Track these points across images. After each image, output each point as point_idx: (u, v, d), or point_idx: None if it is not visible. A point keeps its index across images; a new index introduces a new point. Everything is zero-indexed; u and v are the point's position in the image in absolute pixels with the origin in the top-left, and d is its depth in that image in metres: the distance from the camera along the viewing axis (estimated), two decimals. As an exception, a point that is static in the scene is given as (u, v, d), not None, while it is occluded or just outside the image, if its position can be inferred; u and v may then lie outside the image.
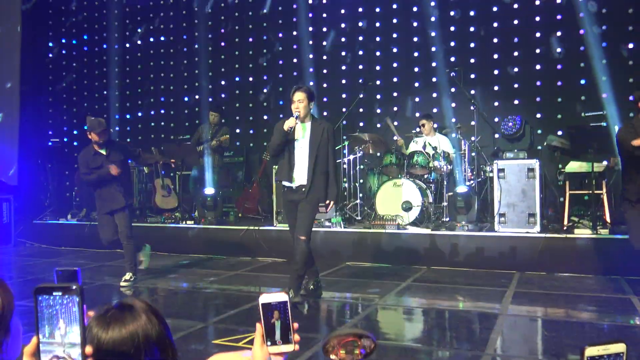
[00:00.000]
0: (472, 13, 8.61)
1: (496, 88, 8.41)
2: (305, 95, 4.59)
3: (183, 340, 3.70)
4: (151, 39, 10.83)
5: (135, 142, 10.67)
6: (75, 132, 11.19)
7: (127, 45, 11.00)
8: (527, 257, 5.91)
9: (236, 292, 5.34)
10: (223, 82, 10.26)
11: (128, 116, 10.98)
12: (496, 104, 8.39)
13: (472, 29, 8.60)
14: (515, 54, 8.24)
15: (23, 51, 10.52)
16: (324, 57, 9.47)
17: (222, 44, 10.26)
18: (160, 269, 6.45)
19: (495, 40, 8.42)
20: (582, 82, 7.74)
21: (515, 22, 8.27)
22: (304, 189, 4.60)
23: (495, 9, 8.40)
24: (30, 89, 10.69)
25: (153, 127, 10.80)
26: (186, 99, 10.46)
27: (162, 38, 10.76)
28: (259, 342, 1.32)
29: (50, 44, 11.51)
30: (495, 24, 8.41)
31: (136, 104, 10.89)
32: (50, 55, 11.48)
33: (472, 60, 8.55)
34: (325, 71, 9.49)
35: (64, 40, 11.51)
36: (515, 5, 8.23)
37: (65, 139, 10.98)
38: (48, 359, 1.01)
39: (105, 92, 11.09)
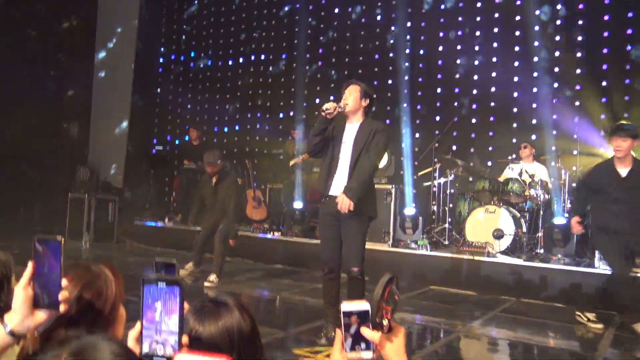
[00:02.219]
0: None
1: (602, 117, 7.91)
2: (359, 89, 3.99)
3: (265, 347, 3.76)
4: (252, 57, 11.32)
5: (230, 155, 11.14)
6: (177, 141, 11.88)
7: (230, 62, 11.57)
8: (631, 298, 5.44)
9: (318, 305, 5.37)
10: (317, 100, 10.48)
11: (237, 127, 11.46)
12: (602, 133, 7.88)
13: (579, 41, 8.16)
14: (627, 66, 7.67)
15: (137, 60, 11.36)
16: (419, 79, 9.41)
17: (319, 63, 10.51)
18: (245, 277, 6.64)
19: (605, 50, 7.87)
20: None
21: (629, 31, 7.72)
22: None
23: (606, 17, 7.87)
24: (140, 98, 11.51)
25: (248, 140, 11.22)
26: (281, 115, 10.78)
27: (263, 57, 11.21)
28: (338, 348, 1.33)
29: (161, 60, 12.39)
30: (605, 50, 7.95)
31: (234, 119, 11.38)
32: (161, 70, 12.33)
33: (577, 87, 8.10)
34: (420, 94, 9.41)
35: (173, 57, 12.35)
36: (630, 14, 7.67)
37: (167, 147, 11.67)
38: (148, 343, 1.08)
39: (206, 106, 11.70)
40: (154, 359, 1.07)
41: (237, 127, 11.36)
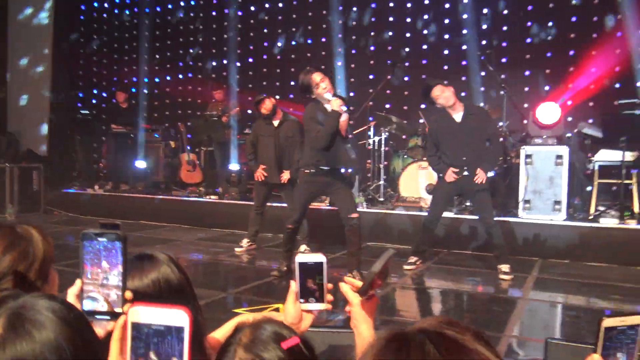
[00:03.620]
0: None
1: (527, 73, 8.25)
2: (323, 74, 4.48)
3: (203, 308, 3.76)
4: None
5: (162, 117, 10.80)
6: (103, 105, 11.35)
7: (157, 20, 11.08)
8: (551, 245, 5.84)
9: (257, 267, 5.41)
10: (251, 60, 10.27)
11: (155, 91, 11.09)
12: (526, 89, 8.23)
13: (505, 11, 8.43)
14: (549, 38, 8.06)
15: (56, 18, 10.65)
16: (353, 37, 9.40)
17: (252, 21, 10.26)
18: (183, 241, 6.56)
19: (528, 24, 8.24)
20: (616, 69, 7.56)
21: (551, 5, 8.08)
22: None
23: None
24: (61, 60, 10.85)
25: (180, 102, 10.89)
26: (213, 75, 10.52)
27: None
28: (292, 299, 1.35)
29: (82, 17, 11.66)
30: (529, 7, 8.23)
31: (166, 84, 10.99)
32: (82, 29, 11.62)
33: (504, 44, 8.38)
34: (353, 52, 9.42)
35: (96, 5, 11.64)
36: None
37: (94, 112, 11.13)
38: (89, 300, 1.05)
39: (134, 67, 11.21)
40: (95, 315, 1.03)
41: (167, 89, 10.99)
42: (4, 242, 1.31)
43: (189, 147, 9.00)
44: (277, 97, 6.50)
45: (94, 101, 11.54)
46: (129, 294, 1.05)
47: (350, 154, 4.68)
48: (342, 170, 4.85)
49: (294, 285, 1.34)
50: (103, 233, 1.04)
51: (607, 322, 1.06)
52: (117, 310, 1.04)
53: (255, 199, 6.15)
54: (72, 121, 10.58)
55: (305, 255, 1.31)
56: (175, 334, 0.87)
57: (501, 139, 7.10)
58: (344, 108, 4.28)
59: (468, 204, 6.42)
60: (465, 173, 4.90)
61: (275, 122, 5.88)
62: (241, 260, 5.68)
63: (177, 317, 0.87)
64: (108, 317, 1.04)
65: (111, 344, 0.99)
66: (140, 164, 9.20)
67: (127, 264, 1.05)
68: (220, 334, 1.52)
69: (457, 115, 4.96)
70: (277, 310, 3.81)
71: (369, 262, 5.20)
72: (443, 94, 4.88)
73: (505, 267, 4.88)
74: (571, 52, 7.95)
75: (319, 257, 1.31)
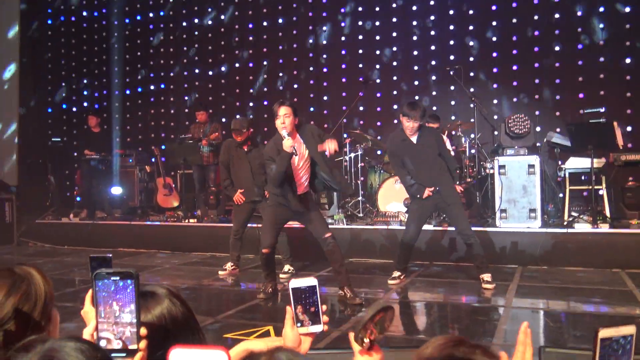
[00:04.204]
0: (470, 12, 8.70)
1: (495, 86, 8.50)
2: (291, 110, 4.49)
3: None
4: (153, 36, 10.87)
5: (135, 142, 10.71)
6: (74, 131, 11.20)
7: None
8: (529, 252, 5.99)
9: (242, 289, 5.40)
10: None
11: (128, 115, 11.02)
12: (495, 101, 8.48)
13: (470, 27, 8.68)
14: (514, 52, 8.34)
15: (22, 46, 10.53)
16: (324, 56, 9.54)
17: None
18: (164, 267, 6.50)
19: (494, 39, 8.51)
20: (580, 79, 7.86)
21: (514, 20, 8.37)
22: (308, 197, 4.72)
23: (494, 7, 8.49)
24: (29, 88, 10.71)
25: (153, 126, 10.83)
26: (186, 97, 10.52)
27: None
28: (289, 324, 1.39)
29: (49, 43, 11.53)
30: (494, 23, 8.51)
31: (138, 108, 10.93)
32: (49, 54, 11.49)
33: (471, 59, 8.63)
34: (325, 70, 9.55)
35: (63, 40, 11.53)
36: (514, 4, 8.32)
37: (65, 138, 10.98)
38: (105, 338, 1.07)
39: (105, 92, 11.12)
40: (112, 354, 1.06)
41: (139, 113, 10.93)
42: (5, 285, 1.31)
43: (163, 171, 8.94)
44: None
45: (64, 127, 11.37)
46: (143, 331, 1.08)
47: (329, 183, 4.70)
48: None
49: (290, 311, 1.38)
50: (115, 272, 1.07)
51: (604, 333, 1.10)
52: (132, 347, 1.07)
53: (235, 223, 6.12)
54: (43, 149, 10.40)
55: (297, 281, 1.35)
56: None
57: (473, 151, 7.32)
58: (294, 150, 4.37)
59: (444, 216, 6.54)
60: (437, 189, 5.05)
61: (245, 148, 5.92)
62: (225, 283, 5.66)
63: (217, 357, 0.88)
64: (124, 354, 1.07)
65: None
66: (116, 190, 9.09)
67: (139, 300, 1.08)
68: None
69: (414, 137, 5.13)
70: (267, 332, 3.81)
71: (356, 279, 5.26)
72: (416, 124, 5.03)
73: (487, 277, 5.00)
74: (536, 65, 8.23)
75: (311, 281, 1.35)
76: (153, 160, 9.41)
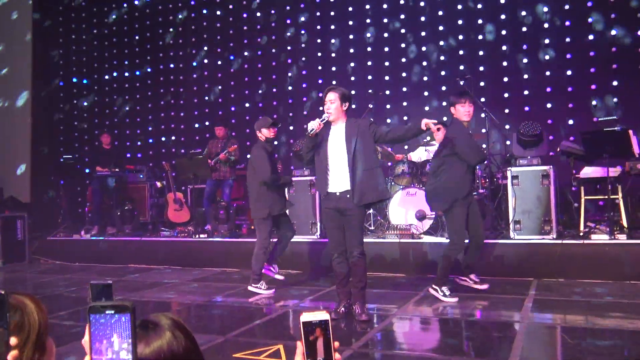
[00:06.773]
0: (480, 21, 8.64)
1: (506, 95, 8.41)
2: (338, 95, 4.41)
3: (203, 353, 3.68)
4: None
5: (146, 156, 10.75)
6: (86, 148, 11.27)
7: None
8: (545, 264, 5.86)
9: (253, 305, 5.33)
10: (232, 95, 10.33)
11: (138, 131, 11.06)
12: (507, 111, 8.38)
13: (480, 37, 8.62)
14: (525, 60, 8.26)
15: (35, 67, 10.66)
16: (333, 69, 9.52)
17: (231, 57, 10.35)
18: (174, 284, 6.45)
19: (504, 47, 8.44)
20: (593, 87, 7.75)
21: (524, 29, 8.29)
22: (348, 195, 4.33)
23: (503, 16, 8.43)
24: (41, 108, 10.81)
25: (164, 141, 10.86)
26: (195, 112, 10.55)
27: (173, 53, 10.87)
28: (299, 359, 1.33)
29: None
30: (503, 32, 8.44)
31: (147, 120, 10.98)
32: (62, 72, 11.61)
33: (482, 68, 8.56)
34: (334, 82, 9.52)
35: (74, 58, 11.66)
36: (523, 12, 8.26)
37: (76, 155, 11.05)
38: None
39: (115, 108, 11.19)
40: None
41: (149, 128, 10.97)
42: None
43: (174, 187, 8.93)
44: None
45: (76, 145, 11.45)
46: None
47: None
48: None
49: (300, 346, 1.32)
50: (111, 305, 1.02)
51: (304, 317, 1.14)
52: None
53: (263, 235, 5.65)
54: (55, 166, 10.47)
55: (309, 314, 1.30)
56: None
57: (485, 161, 7.21)
58: (313, 129, 4.35)
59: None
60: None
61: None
62: (235, 300, 5.59)
63: None
64: None
65: None
66: (127, 205, 9.09)
67: (136, 336, 1.03)
68: None
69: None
70: (277, 352, 3.74)
71: (367, 293, 5.15)
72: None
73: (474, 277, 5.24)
74: (547, 73, 8.13)
75: (323, 315, 1.30)
76: (164, 175, 9.40)
